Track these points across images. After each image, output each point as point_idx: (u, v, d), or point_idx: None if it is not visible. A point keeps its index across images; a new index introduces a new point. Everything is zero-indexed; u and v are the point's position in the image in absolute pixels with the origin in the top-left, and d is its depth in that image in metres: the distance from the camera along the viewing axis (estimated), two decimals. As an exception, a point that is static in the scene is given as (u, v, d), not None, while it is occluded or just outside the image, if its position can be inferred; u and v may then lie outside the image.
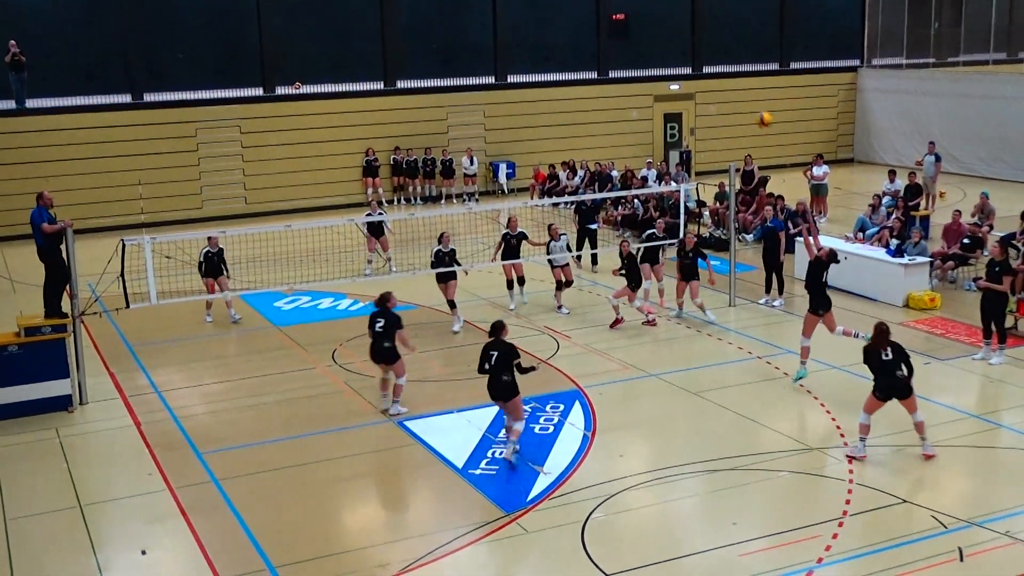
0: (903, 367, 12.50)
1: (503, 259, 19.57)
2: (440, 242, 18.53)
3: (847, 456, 12.69)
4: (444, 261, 18.36)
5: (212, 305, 19.72)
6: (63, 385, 15.06)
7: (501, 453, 13.00)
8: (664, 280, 19.94)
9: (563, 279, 19.73)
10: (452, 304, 18.49)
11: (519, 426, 12.92)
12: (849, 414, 14.01)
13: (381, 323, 14.22)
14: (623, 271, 18.28)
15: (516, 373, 12.66)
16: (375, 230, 22.36)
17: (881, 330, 12.62)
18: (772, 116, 26.34)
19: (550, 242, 19.99)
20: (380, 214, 21.23)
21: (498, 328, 12.96)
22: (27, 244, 17.39)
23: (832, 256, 15.46)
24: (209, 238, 19.38)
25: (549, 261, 19.95)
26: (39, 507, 12.17)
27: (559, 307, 19.61)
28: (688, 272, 18.43)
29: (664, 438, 13.80)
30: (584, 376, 15.89)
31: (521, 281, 19.76)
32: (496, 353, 12.71)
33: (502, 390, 12.71)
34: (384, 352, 14.27)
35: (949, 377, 15.69)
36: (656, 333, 17.93)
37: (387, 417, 14.35)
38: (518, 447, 12.93)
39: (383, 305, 14.37)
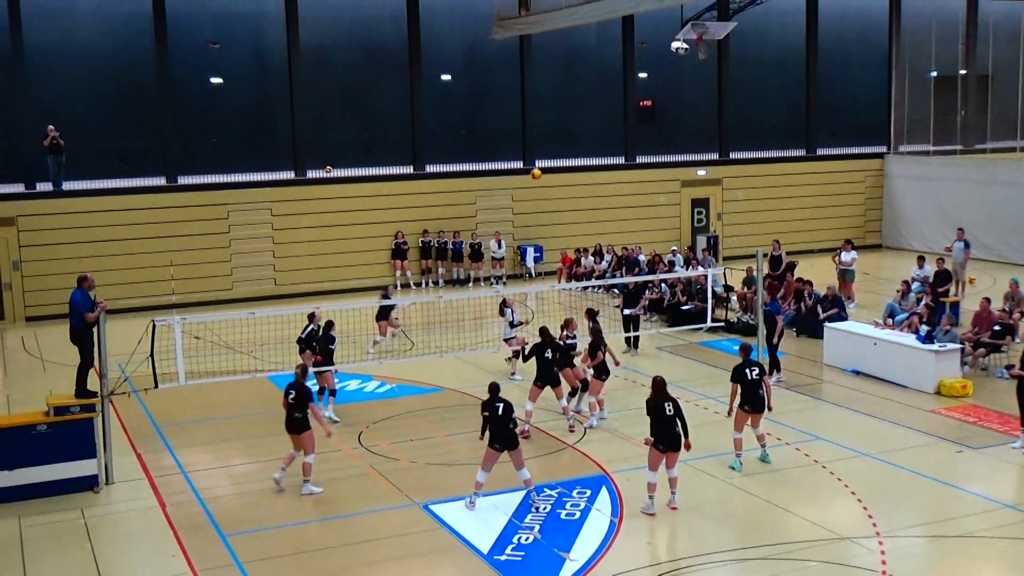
0: (680, 423, 13.53)
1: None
2: (566, 328, 18.41)
3: (642, 512, 13.51)
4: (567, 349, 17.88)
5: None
6: (90, 465, 15.07)
7: (527, 539, 12.88)
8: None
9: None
10: (581, 389, 18.08)
11: (526, 473, 13.90)
12: (881, 502, 13.83)
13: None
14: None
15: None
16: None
17: (659, 384, 13.61)
18: (540, 174, 26.08)
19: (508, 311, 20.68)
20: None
21: (497, 388, 14.23)
22: (58, 324, 17.56)
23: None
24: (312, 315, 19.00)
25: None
26: (62, 588, 12.12)
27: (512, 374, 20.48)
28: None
29: (692, 525, 13.61)
30: (611, 461, 15.75)
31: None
32: (502, 405, 13.83)
33: (512, 439, 13.82)
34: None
35: (982, 466, 15.44)
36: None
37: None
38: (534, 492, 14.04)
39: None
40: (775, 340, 19.73)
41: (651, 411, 13.64)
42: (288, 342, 21.49)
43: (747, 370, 15.20)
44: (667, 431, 13.49)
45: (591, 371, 17.47)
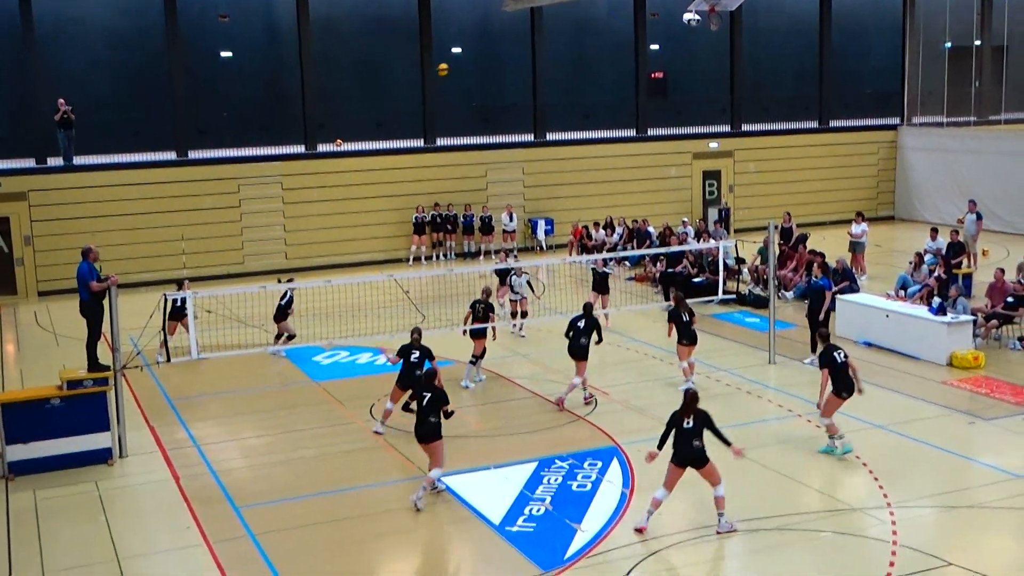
0: (702, 436, 12.20)
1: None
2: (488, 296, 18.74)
3: (635, 530, 12.28)
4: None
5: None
6: (104, 438, 15.16)
7: (539, 510, 12.92)
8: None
9: (518, 309, 21.67)
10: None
11: (436, 473, 13.28)
12: (893, 474, 13.82)
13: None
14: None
15: (442, 418, 13.26)
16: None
17: (692, 396, 12.49)
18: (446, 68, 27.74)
19: (512, 276, 21.48)
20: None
21: (431, 375, 13.82)
22: (70, 298, 17.60)
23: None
24: (182, 283, 19.81)
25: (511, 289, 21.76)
26: (77, 560, 12.21)
27: (515, 327, 21.78)
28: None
29: (704, 496, 13.58)
30: (622, 433, 15.77)
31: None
32: (429, 395, 13.28)
33: (429, 432, 13.20)
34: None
35: (994, 437, 15.42)
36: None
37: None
38: (425, 493, 13.18)
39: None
40: (821, 316, 18.97)
41: (672, 423, 12.36)
42: (300, 316, 21.57)
43: (835, 353, 14.39)
44: (685, 446, 12.16)
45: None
